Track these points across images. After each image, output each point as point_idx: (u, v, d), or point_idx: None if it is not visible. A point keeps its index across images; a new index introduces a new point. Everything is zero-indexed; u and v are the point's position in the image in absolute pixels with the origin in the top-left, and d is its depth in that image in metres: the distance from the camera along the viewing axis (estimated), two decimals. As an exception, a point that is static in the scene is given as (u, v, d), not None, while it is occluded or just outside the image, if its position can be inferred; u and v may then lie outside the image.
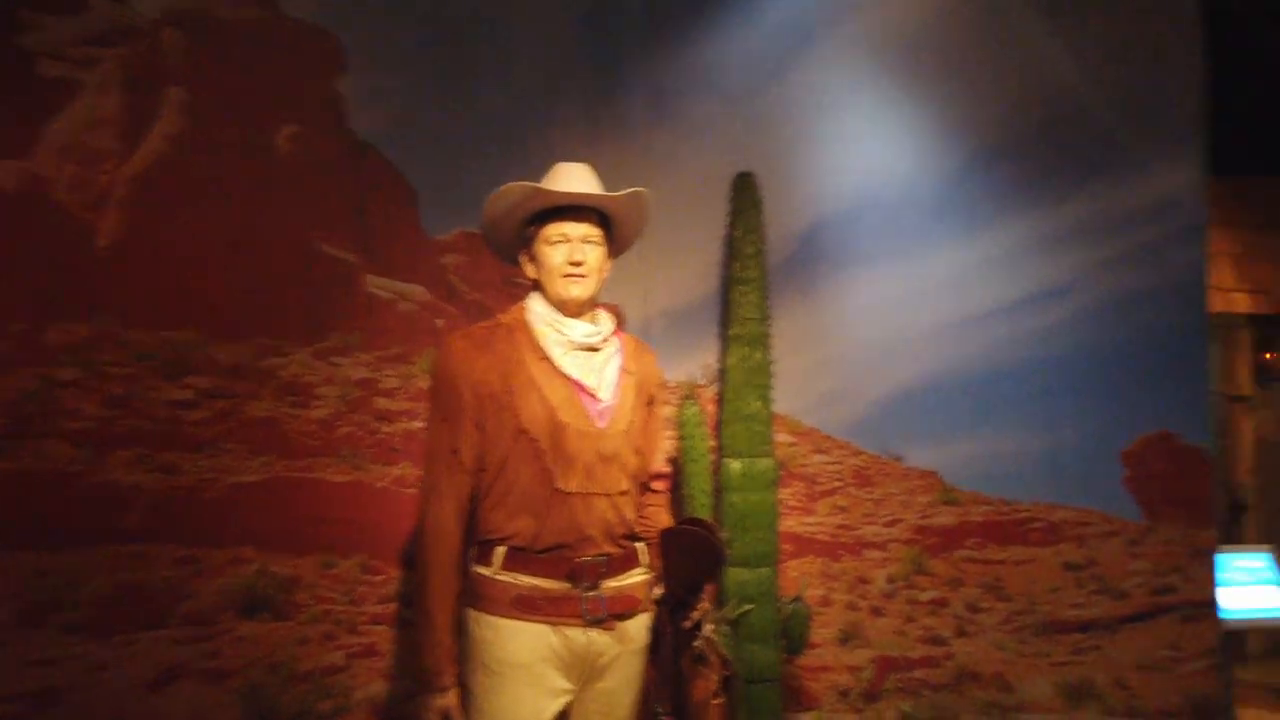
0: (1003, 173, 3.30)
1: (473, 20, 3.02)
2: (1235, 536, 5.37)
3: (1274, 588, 4.12)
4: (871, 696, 3.05)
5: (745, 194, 2.97)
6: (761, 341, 2.90)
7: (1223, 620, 3.61)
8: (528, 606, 1.98)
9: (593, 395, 2.06)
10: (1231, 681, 3.75)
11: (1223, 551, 3.81)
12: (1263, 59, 5.44)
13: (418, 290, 2.88)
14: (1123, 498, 3.25)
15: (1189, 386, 3.34)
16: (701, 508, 2.79)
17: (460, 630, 2.01)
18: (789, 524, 3.07)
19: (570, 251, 2.08)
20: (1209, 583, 3.30)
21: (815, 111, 3.29)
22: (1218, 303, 5.53)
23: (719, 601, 2.75)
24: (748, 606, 2.72)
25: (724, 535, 2.71)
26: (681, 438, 2.87)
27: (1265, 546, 4.25)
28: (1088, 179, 3.32)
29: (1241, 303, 5.59)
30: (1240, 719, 3.81)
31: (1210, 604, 3.32)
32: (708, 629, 2.11)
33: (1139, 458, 3.26)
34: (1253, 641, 5.44)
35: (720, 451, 2.88)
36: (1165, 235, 3.33)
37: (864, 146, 3.30)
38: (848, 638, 3.07)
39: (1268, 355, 5.69)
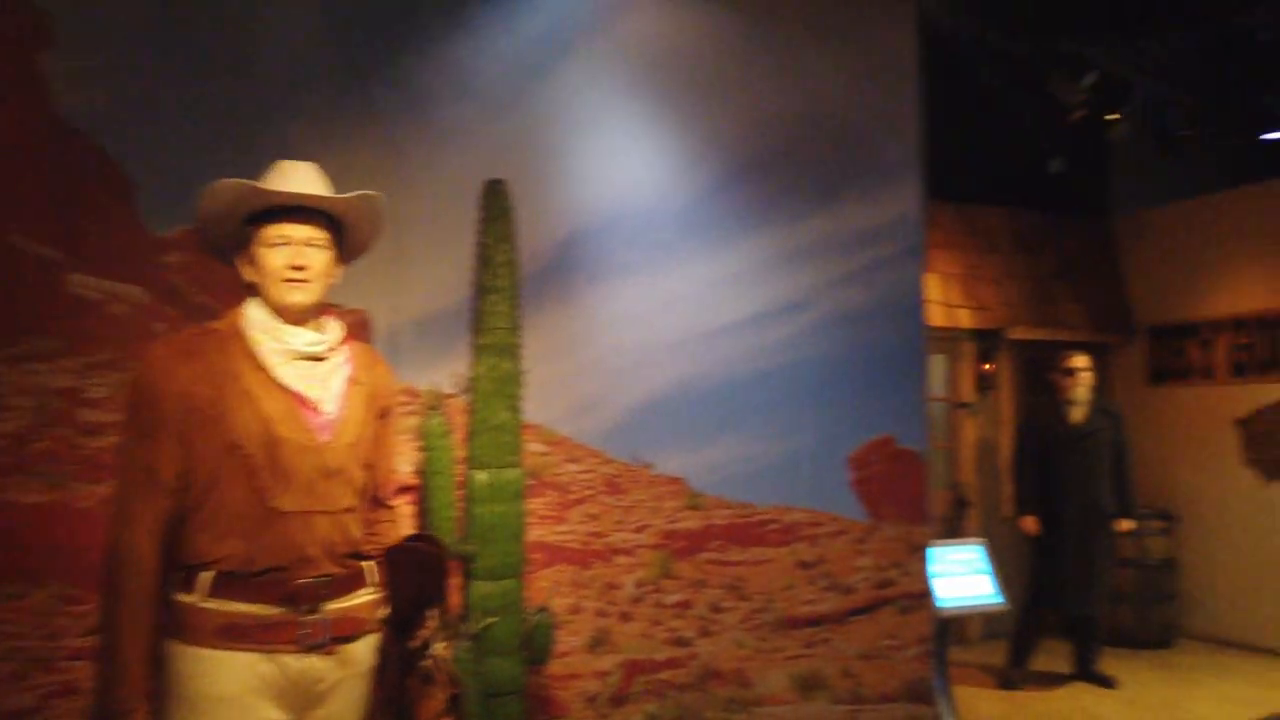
0: (748, 191, 3.47)
1: (206, -5, 2.81)
2: (959, 531, 5.92)
3: (986, 577, 4.56)
4: (618, 701, 3.10)
5: (496, 201, 2.95)
6: (511, 351, 2.88)
7: (940, 609, 3.96)
8: (235, 634, 1.85)
9: (314, 408, 1.96)
10: (948, 664, 4.13)
11: (938, 545, 4.19)
12: (989, 103, 6.06)
13: (133, 291, 2.64)
14: (850, 499, 3.50)
15: (908, 395, 3.64)
16: (445, 521, 2.73)
17: (159, 665, 1.85)
18: (540, 533, 3.07)
19: (291, 255, 1.97)
20: (924, 575, 3.61)
21: (572, 122, 3.31)
22: (945, 318, 6.10)
23: (462, 616, 2.70)
24: (491, 620, 2.69)
25: (461, 550, 2.67)
26: (425, 449, 2.80)
27: (979, 539, 4.70)
28: (824, 201, 3.56)
29: (965, 318, 6.19)
30: (956, 697, 4.20)
31: (925, 595, 3.63)
32: (437, 647, 2.06)
33: (863, 461, 3.52)
34: (973, 626, 6.03)
35: (468, 463, 2.83)
36: (890, 256, 3.62)
37: (619, 159, 3.36)
38: (596, 644, 3.11)
39: (986, 366, 6.32)
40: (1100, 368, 5.96)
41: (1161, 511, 6.06)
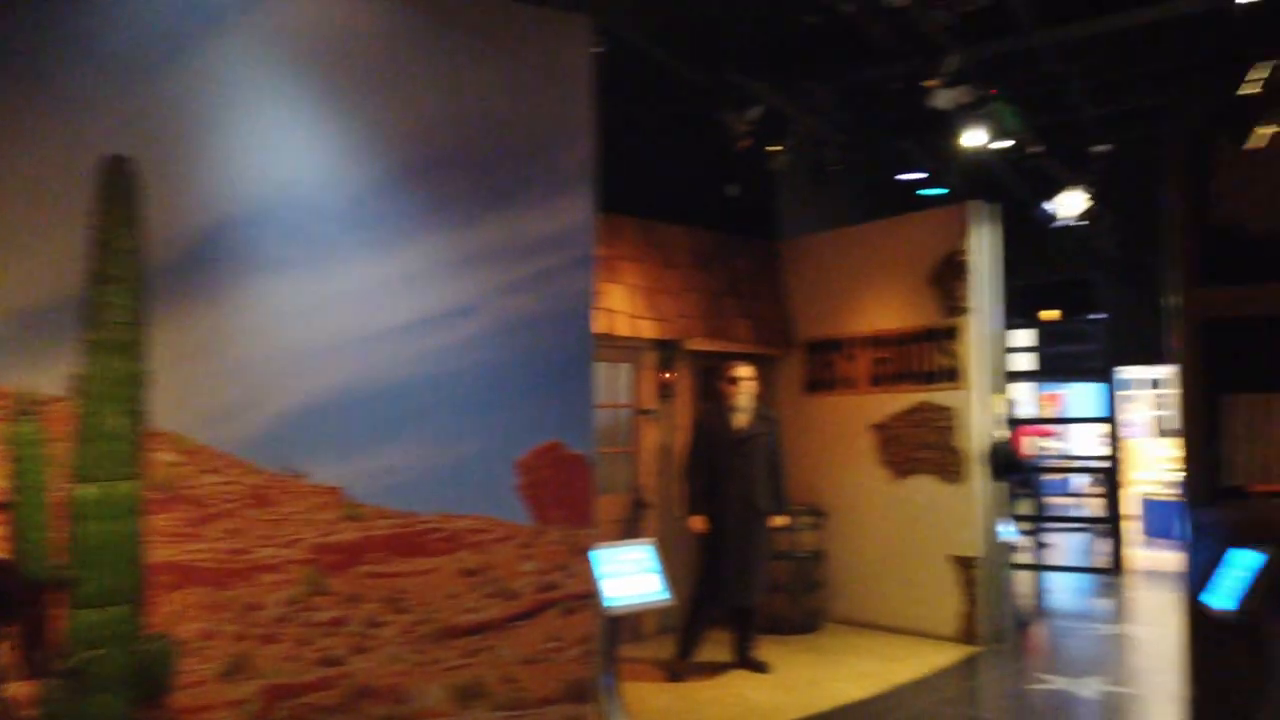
0: (417, 191, 3.37)
1: None
2: (637, 531, 6.16)
3: (655, 575, 4.77)
4: (257, 730, 2.87)
5: (118, 181, 2.64)
6: (130, 349, 2.58)
7: (607, 608, 4.07)
8: None
9: None
10: (617, 661, 4.26)
11: (608, 546, 4.32)
12: (675, 126, 6.40)
13: None
14: (517, 504, 3.50)
15: (577, 400, 3.72)
16: (36, 542, 2.38)
17: None
18: (169, 553, 2.77)
19: None
20: (589, 577, 3.69)
21: (221, 101, 3.05)
22: (630, 328, 6.35)
23: (60, 650, 2.36)
24: (94, 652, 2.38)
25: (57, 574, 2.34)
26: (15, 460, 2.42)
27: (649, 539, 4.91)
28: (495, 207, 3.54)
29: (648, 329, 6.48)
30: (625, 693, 4.35)
31: (590, 596, 3.72)
32: (7, 688, 1.77)
33: (531, 466, 3.54)
34: (649, 622, 6.30)
35: (73, 475, 2.49)
36: (561, 264, 3.67)
37: (275, 146, 3.14)
38: (233, 670, 2.86)
39: (667, 375, 6.65)
40: (765, 377, 6.49)
41: (813, 508, 6.69)
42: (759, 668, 5.39)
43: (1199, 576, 3.92)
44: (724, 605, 5.44)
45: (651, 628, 6.28)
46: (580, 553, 3.66)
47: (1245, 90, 3.44)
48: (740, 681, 5.24)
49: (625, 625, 5.41)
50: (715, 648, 5.54)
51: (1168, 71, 7.21)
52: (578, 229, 3.75)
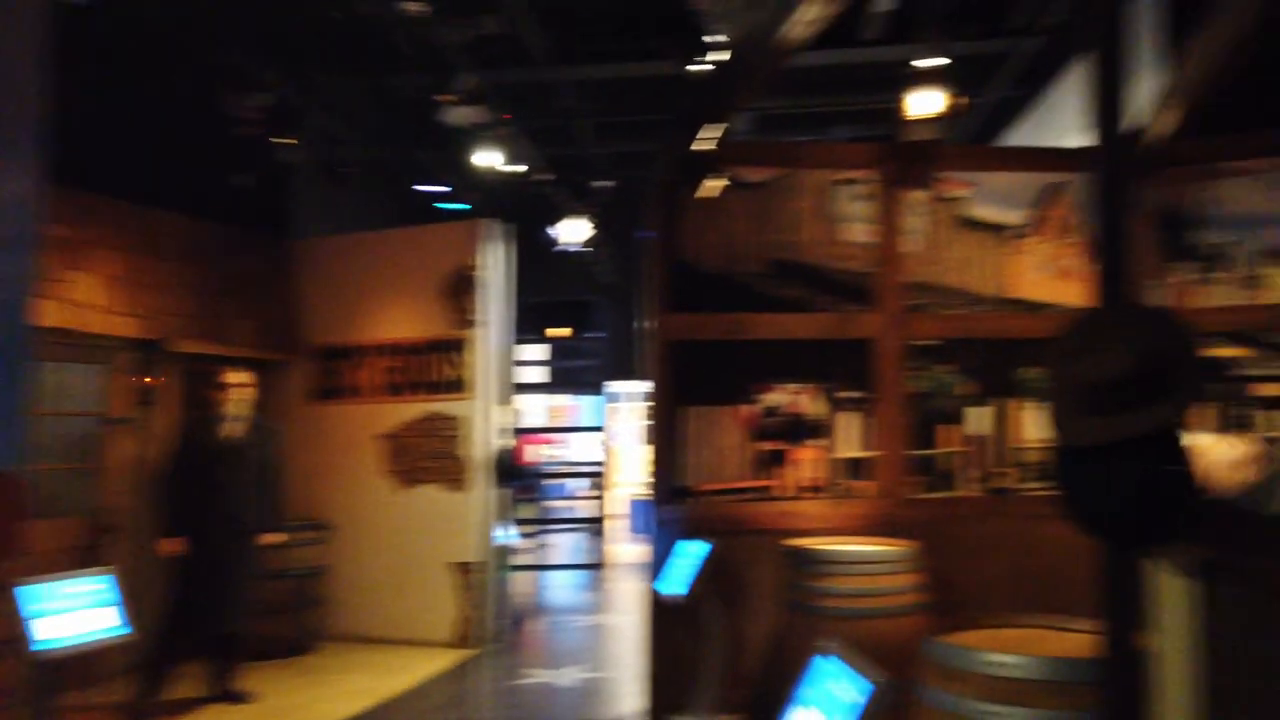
0: None
1: None
2: (99, 559, 5.35)
3: (113, 608, 4.16)
4: None
5: None
6: None
7: (39, 652, 3.45)
8: None
9: None
10: (58, 712, 3.62)
11: (50, 580, 3.68)
12: (174, 103, 5.70)
13: None
14: (-96, 535, 2.81)
15: (5, 406, 3.09)
16: None
17: None
18: None
19: None
20: (13, 617, 3.09)
21: None
22: (101, 325, 5.52)
23: None
24: None
25: None
26: None
27: (109, 568, 4.27)
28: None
29: (126, 326, 5.69)
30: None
31: (13, 640, 3.11)
32: None
33: (-72, 488, 2.86)
34: (111, 662, 5.49)
35: None
36: (-10, 242, 3.04)
37: None
38: None
39: (148, 379, 5.89)
40: (267, 385, 6.06)
41: (314, 522, 6.39)
42: (238, 699, 4.97)
43: (659, 566, 4.46)
44: (201, 633, 4.93)
45: (115, 667, 5.48)
46: (2, 590, 3.04)
47: (699, 146, 4.00)
48: (216, 716, 4.79)
49: (72, 669, 4.64)
50: (189, 682, 5.00)
51: (656, 122, 8.22)
52: (19, 202, 3.14)
